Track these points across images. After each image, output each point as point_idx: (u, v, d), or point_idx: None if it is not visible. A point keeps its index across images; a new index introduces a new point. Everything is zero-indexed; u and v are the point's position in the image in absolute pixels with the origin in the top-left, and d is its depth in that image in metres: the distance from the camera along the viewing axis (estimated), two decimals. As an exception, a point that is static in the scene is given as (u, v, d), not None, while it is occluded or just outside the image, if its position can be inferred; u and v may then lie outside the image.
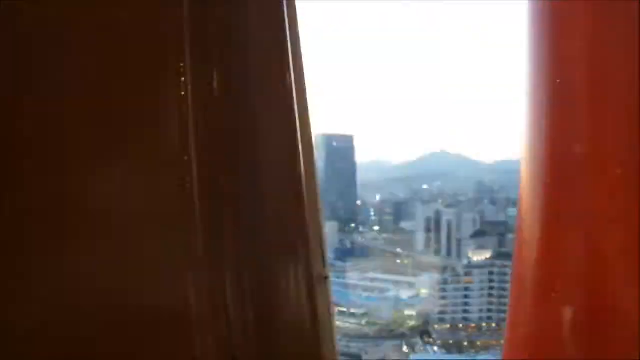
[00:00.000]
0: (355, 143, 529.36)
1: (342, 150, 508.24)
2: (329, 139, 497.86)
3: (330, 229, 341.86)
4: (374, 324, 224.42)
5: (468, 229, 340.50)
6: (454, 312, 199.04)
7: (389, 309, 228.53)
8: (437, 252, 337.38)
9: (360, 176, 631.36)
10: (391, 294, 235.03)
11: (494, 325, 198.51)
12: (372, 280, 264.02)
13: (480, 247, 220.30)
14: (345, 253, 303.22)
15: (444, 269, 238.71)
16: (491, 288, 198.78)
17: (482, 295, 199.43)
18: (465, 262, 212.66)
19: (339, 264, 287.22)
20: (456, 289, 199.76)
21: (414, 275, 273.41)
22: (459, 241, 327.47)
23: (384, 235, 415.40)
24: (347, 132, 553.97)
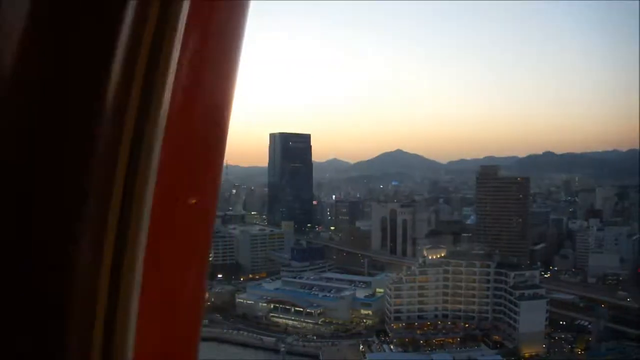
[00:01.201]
0: (312, 142, 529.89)
1: (298, 149, 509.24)
2: (285, 138, 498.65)
3: (286, 229, 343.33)
4: (331, 323, 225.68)
5: (423, 228, 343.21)
6: (410, 310, 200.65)
7: (346, 308, 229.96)
8: (393, 251, 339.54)
9: (317, 176, 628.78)
10: (347, 293, 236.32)
11: (448, 323, 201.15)
12: (329, 280, 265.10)
13: (435, 246, 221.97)
14: (302, 253, 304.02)
15: (399, 268, 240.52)
16: (446, 287, 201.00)
17: (437, 294, 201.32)
18: (420, 261, 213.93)
19: (296, 263, 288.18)
20: (411, 288, 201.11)
21: (370, 274, 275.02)
22: (414, 240, 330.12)
23: (340, 235, 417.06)
24: (304, 132, 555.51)
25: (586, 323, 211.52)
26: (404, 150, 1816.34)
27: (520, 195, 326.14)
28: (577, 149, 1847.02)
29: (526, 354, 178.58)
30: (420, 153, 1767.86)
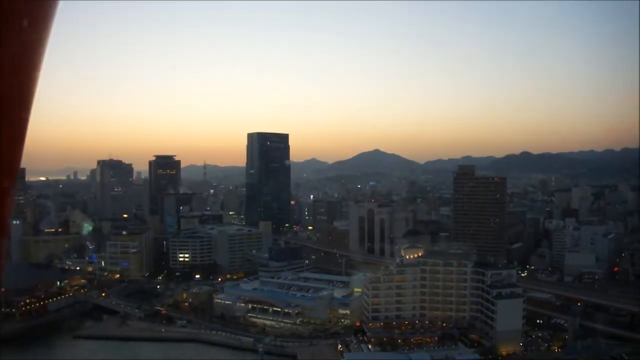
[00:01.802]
0: (290, 142, 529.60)
1: (276, 149, 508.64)
2: (263, 138, 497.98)
3: (264, 229, 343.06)
4: (309, 323, 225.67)
5: (401, 228, 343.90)
6: (388, 310, 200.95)
7: (324, 308, 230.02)
8: (371, 251, 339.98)
9: (295, 176, 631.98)
10: (325, 293, 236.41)
11: (426, 322, 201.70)
12: (307, 279, 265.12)
13: (413, 246, 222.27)
14: (280, 253, 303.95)
15: (377, 268, 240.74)
16: (423, 286, 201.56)
17: (414, 294, 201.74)
18: (398, 260, 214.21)
19: (273, 263, 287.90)
20: (389, 288, 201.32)
21: (348, 274, 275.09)
22: (392, 240, 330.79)
23: (318, 235, 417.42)
24: (282, 132, 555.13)
25: (563, 321, 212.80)
26: (382, 150, 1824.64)
27: (498, 195, 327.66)
28: (554, 150, 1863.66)
29: (503, 353, 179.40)
30: (398, 153, 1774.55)
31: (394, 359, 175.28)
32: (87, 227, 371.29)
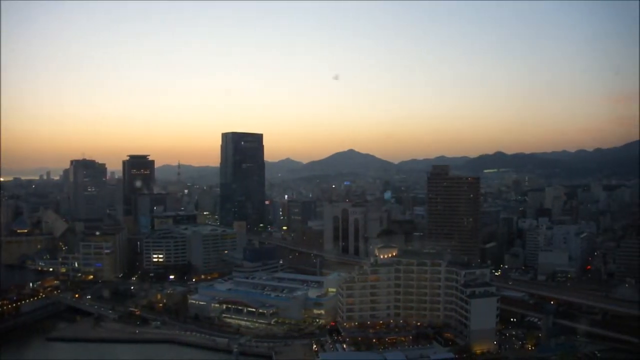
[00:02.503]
0: (265, 142, 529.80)
1: (250, 149, 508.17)
2: (237, 137, 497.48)
3: (238, 229, 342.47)
4: (283, 323, 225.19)
5: (375, 228, 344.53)
6: (362, 309, 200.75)
7: (298, 308, 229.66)
8: (345, 250, 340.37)
9: (269, 175, 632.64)
10: (300, 293, 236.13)
11: (401, 321, 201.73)
12: (281, 280, 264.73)
13: (387, 246, 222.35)
14: (254, 253, 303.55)
15: (351, 268, 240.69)
16: (397, 285, 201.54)
17: (389, 293, 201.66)
18: (372, 260, 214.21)
19: (248, 264, 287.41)
20: (364, 287, 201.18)
21: (322, 274, 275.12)
22: (367, 240, 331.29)
23: (292, 235, 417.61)
24: (256, 132, 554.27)
25: (536, 319, 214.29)
26: (357, 150, 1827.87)
27: (471, 195, 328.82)
28: (528, 150, 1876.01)
29: (477, 351, 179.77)
30: (372, 153, 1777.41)
31: (369, 359, 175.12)
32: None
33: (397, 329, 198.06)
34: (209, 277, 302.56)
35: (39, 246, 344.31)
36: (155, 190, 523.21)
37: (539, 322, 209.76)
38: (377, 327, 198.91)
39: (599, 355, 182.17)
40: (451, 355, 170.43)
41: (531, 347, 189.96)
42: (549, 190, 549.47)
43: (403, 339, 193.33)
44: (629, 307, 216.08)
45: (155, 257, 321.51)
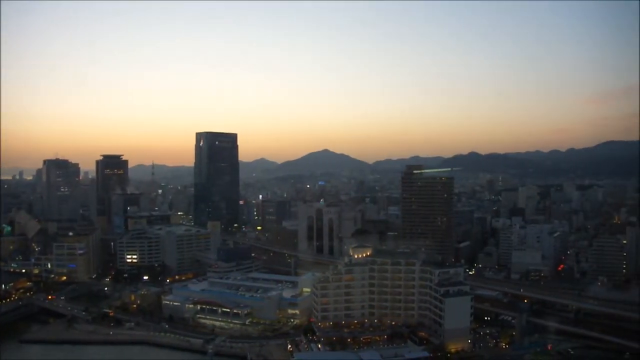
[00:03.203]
0: (239, 142, 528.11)
1: (225, 149, 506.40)
2: (211, 137, 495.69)
3: (213, 229, 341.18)
4: (258, 323, 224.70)
5: (349, 228, 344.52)
6: (337, 309, 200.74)
7: (273, 308, 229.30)
8: (320, 250, 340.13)
9: (244, 175, 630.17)
10: (274, 293, 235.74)
11: (375, 321, 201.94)
12: (255, 280, 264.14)
13: (362, 245, 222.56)
14: (228, 253, 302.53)
15: (326, 268, 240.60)
16: (372, 285, 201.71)
17: (363, 293, 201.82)
18: (346, 260, 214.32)
19: (222, 264, 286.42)
20: (338, 287, 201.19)
21: (297, 274, 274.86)
22: (341, 239, 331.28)
23: (267, 235, 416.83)
24: (231, 131, 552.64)
25: (510, 318, 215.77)
26: (331, 150, 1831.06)
27: (445, 195, 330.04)
28: (502, 150, 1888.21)
29: (452, 350, 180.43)
30: (347, 153, 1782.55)
31: (344, 359, 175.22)
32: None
33: (371, 329, 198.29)
34: (183, 278, 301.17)
35: (11, 247, 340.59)
36: (129, 190, 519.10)
37: (513, 321, 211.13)
38: (352, 327, 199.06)
39: (572, 352, 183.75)
40: (426, 354, 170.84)
41: (505, 345, 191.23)
42: (522, 190, 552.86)
43: (378, 338, 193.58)
44: (601, 305, 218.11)
45: (129, 258, 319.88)
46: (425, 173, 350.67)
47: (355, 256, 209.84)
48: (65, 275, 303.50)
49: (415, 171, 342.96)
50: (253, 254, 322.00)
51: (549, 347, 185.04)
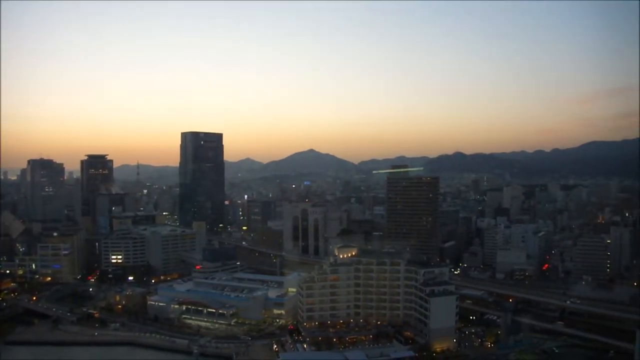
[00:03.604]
0: (224, 142, 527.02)
1: (210, 149, 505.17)
2: (197, 137, 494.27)
3: (198, 229, 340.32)
4: (244, 323, 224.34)
5: (335, 228, 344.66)
6: (322, 309, 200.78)
7: (258, 308, 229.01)
8: (305, 250, 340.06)
9: (229, 175, 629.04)
10: (260, 293, 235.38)
11: (361, 321, 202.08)
12: (241, 280, 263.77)
13: (347, 245, 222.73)
14: (214, 253, 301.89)
15: (311, 268, 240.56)
16: (357, 285, 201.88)
17: (348, 292, 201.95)
18: (332, 260, 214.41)
19: (207, 264, 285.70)
20: (323, 287, 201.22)
21: (282, 274, 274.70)
22: (326, 239, 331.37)
23: (252, 235, 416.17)
24: (216, 131, 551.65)
25: (495, 317, 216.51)
26: (317, 150, 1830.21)
27: (430, 195, 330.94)
28: (487, 150, 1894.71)
29: (437, 349, 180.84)
30: (332, 153, 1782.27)
31: (329, 359, 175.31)
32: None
33: (357, 328, 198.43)
34: (168, 278, 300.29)
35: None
36: (114, 190, 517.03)
37: (498, 320, 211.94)
38: (338, 327, 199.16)
39: (557, 351, 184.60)
40: (411, 353, 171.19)
41: (490, 345, 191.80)
42: (507, 190, 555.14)
43: (363, 338, 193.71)
44: (585, 304, 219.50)
45: (114, 258, 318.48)
46: (407, 173, 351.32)
47: (341, 256, 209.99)
48: (49, 276, 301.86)
49: (392, 170, 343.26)
50: (238, 254, 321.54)
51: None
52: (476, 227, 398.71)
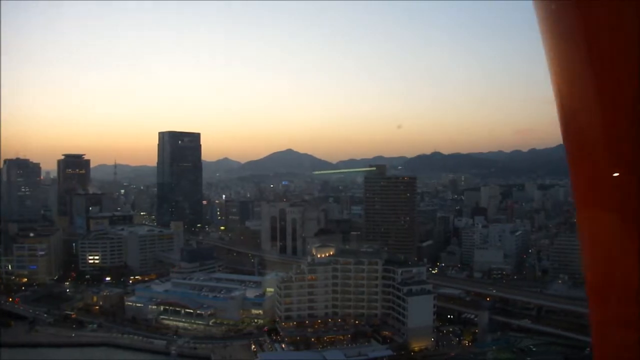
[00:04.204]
0: (202, 142, 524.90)
1: (188, 148, 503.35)
2: (174, 137, 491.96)
3: (175, 229, 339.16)
4: (222, 324, 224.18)
5: (313, 228, 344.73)
6: (300, 309, 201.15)
7: (236, 308, 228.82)
8: (283, 250, 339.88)
9: (207, 175, 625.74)
10: (238, 293, 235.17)
11: (339, 320, 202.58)
12: (219, 280, 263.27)
13: (325, 245, 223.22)
14: (191, 254, 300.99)
15: (289, 268, 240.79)
16: (335, 284, 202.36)
17: (326, 292, 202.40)
18: (309, 260, 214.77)
19: (185, 264, 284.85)
20: (301, 287, 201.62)
21: (260, 274, 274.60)
22: (304, 239, 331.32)
23: (230, 235, 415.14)
24: (194, 130, 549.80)
25: (473, 316, 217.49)
26: (295, 150, 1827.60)
27: (408, 194, 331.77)
28: (464, 150, 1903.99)
29: (415, 348, 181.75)
30: (310, 153, 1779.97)
31: (308, 358, 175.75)
32: None
33: (335, 328, 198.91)
34: (146, 279, 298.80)
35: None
36: (91, 190, 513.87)
37: (475, 319, 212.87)
38: (316, 326, 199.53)
39: (534, 349, 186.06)
40: (389, 352, 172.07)
41: (468, 343, 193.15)
42: (484, 190, 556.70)
43: (341, 337, 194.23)
44: (562, 303, 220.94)
45: (91, 259, 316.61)
46: (384, 172, 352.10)
47: (319, 256, 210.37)
48: (26, 277, 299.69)
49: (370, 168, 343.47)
50: (216, 254, 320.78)
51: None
52: (454, 227, 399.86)
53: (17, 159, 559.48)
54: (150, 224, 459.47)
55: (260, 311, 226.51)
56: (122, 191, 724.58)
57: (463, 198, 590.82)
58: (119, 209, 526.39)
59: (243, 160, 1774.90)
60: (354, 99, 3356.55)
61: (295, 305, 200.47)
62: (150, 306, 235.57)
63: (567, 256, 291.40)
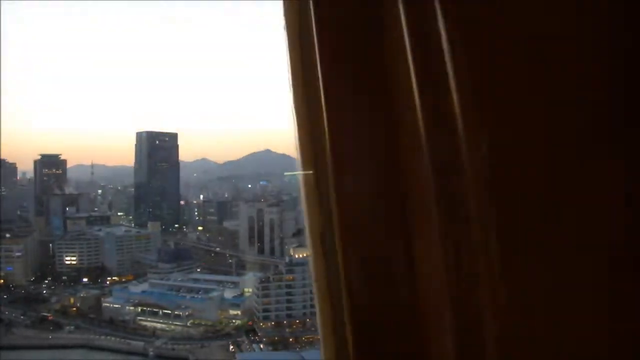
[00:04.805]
0: (180, 141, 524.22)
1: (165, 148, 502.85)
2: (151, 136, 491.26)
3: (153, 230, 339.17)
4: (200, 324, 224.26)
5: (290, 228, 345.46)
6: (278, 309, 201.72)
7: (214, 309, 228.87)
8: (261, 250, 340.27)
9: (184, 175, 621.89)
10: (216, 294, 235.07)
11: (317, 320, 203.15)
12: (196, 281, 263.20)
13: (302, 245, 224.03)
14: (169, 254, 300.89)
15: (267, 268, 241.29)
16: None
17: (304, 292, 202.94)
18: (287, 260, 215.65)
19: (163, 265, 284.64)
20: (279, 287, 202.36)
21: (238, 274, 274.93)
22: (282, 239, 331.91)
23: (208, 235, 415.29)
24: (171, 130, 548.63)
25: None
26: (273, 150, 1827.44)
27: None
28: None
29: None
30: (288, 153, 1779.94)
31: (286, 359, 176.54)
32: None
33: (313, 328, 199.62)
34: (123, 280, 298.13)
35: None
36: (68, 190, 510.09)
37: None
38: (294, 326, 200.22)
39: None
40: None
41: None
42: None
43: (319, 337, 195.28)
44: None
45: (68, 260, 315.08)
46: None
47: (296, 256, 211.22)
48: (2, 279, 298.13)
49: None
50: (194, 255, 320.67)
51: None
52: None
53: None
54: (128, 224, 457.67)
55: (239, 312, 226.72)
56: (100, 191, 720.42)
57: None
58: (96, 209, 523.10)
59: (221, 161, 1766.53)
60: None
61: (273, 306, 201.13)
62: (127, 307, 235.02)
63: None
